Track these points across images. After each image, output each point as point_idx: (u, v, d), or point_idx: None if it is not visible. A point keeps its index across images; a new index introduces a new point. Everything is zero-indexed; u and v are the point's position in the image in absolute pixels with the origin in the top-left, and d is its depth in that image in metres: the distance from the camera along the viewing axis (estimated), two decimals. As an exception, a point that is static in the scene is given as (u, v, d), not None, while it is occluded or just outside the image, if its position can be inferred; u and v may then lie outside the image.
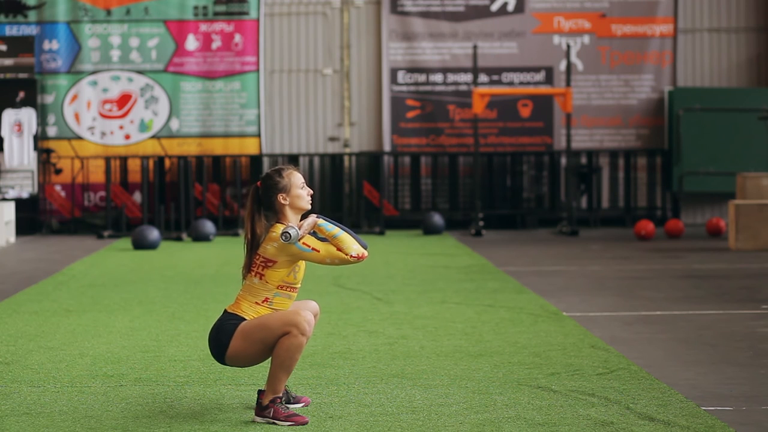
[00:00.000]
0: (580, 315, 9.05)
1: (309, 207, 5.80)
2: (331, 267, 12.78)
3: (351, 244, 5.63)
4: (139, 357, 7.35)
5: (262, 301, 5.68)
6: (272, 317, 5.61)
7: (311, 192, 5.81)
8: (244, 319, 5.65)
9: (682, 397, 6.03)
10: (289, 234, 5.56)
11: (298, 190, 5.76)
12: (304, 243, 5.62)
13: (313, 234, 5.72)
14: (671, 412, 5.69)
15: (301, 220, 5.79)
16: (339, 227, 5.69)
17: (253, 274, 5.69)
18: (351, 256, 5.62)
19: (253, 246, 5.71)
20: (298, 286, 5.75)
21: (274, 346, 5.60)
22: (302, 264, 5.74)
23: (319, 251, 5.62)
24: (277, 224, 5.71)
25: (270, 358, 5.68)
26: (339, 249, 5.63)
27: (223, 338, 5.65)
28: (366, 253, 5.68)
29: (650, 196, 19.13)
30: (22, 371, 6.91)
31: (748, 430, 5.39)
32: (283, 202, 5.74)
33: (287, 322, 5.56)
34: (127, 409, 5.90)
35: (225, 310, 5.73)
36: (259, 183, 5.79)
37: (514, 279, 11.47)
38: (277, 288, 5.68)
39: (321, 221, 5.69)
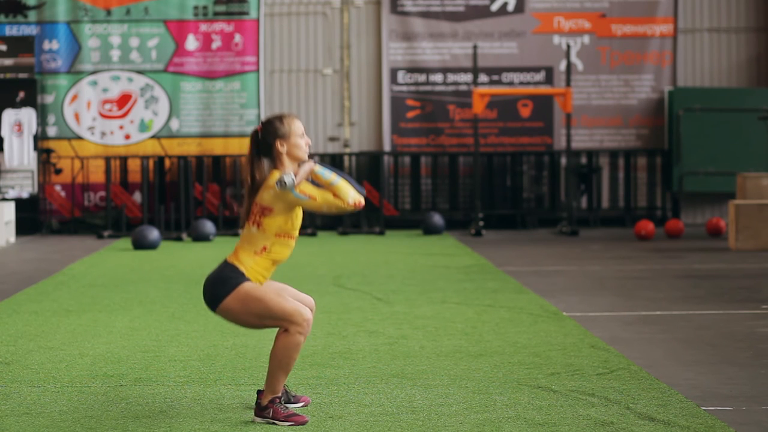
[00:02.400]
0: (580, 315, 9.05)
1: (306, 157, 5.73)
2: (331, 266, 12.78)
3: (348, 191, 5.58)
4: (139, 357, 7.35)
5: (261, 251, 5.62)
6: (275, 300, 5.56)
7: (309, 142, 5.77)
8: (243, 275, 5.58)
9: (682, 397, 6.03)
10: (284, 182, 5.52)
11: (297, 138, 5.71)
12: (300, 190, 5.58)
13: (310, 181, 5.69)
14: (671, 412, 5.69)
15: (298, 168, 5.73)
16: (336, 173, 5.65)
17: (251, 222, 5.65)
18: (348, 203, 5.58)
19: (253, 191, 5.68)
20: (296, 234, 5.70)
21: (265, 325, 5.59)
22: (299, 211, 5.70)
23: (315, 199, 5.57)
24: (274, 171, 5.66)
25: (256, 329, 5.66)
26: (336, 196, 5.58)
27: (219, 291, 5.58)
28: (362, 201, 5.64)
29: (650, 196, 19.13)
30: (22, 371, 6.91)
31: (748, 430, 5.39)
32: (280, 149, 5.69)
33: (288, 315, 5.53)
34: (127, 409, 5.90)
35: (225, 260, 5.68)
36: (259, 127, 5.76)
37: (514, 279, 11.47)
38: (275, 236, 5.63)
39: (318, 168, 5.64)
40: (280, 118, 5.72)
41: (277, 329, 5.65)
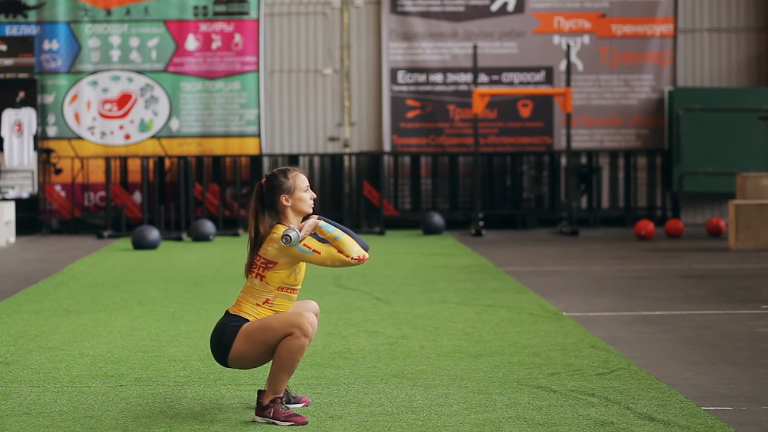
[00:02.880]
0: (580, 315, 9.05)
1: (311, 211, 5.77)
2: (331, 267, 12.79)
3: (352, 246, 5.62)
4: (139, 357, 7.35)
5: (263, 303, 5.66)
6: (275, 319, 5.60)
7: (314, 196, 5.80)
8: (247, 320, 5.64)
9: (682, 397, 6.03)
10: (290, 237, 5.54)
11: (302, 192, 5.73)
12: (305, 245, 5.61)
13: (314, 236, 5.71)
14: (671, 412, 5.69)
15: (302, 222, 5.77)
16: (340, 228, 5.68)
17: (253, 275, 5.68)
18: (352, 258, 5.61)
19: (256, 245, 5.70)
20: (299, 287, 5.74)
21: (276, 347, 5.59)
22: (303, 265, 5.73)
23: (320, 253, 5.61)
24: (278, 225, 5.69)
25: (272, 360, 5.68)
26: (340, 251, 5.62)
27: (225, 340, 5.63)
28: (366, 255, 5.67)
29: (650, 196, 19.13)
30: (22, 371, 6.91)
31: (748, 430, 5.39)
32: (285, 203, 5.72)
33: (290, 323, 5.56)
34: (127, 409, 5.90)
35: (227, 312, 5.72)
36: (263, 181, 5.78)
37: (514, 279, 11.47)
38: (278, 289, 5.67)
39: (322, 223, 5.68)
40: (284, 172, 5.74)
41: None
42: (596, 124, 19.27)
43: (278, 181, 5.72)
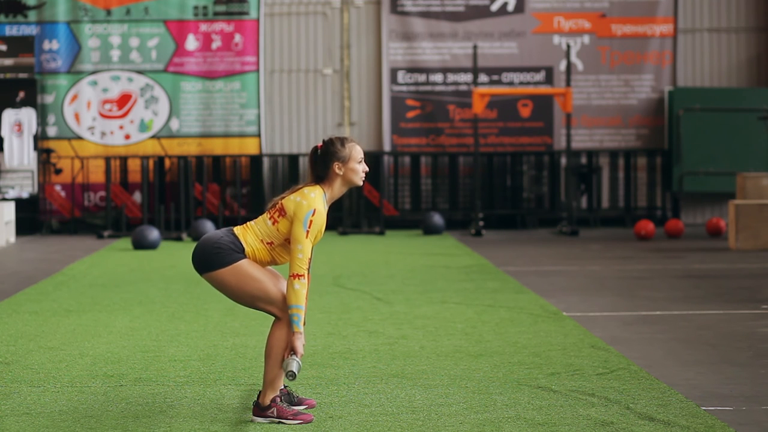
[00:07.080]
0: (580, 315, 9.05)
1: (361, 183, 5.71)
2: (331, 266, 12.79)
3: (294, 295, 5.48)
4: (139, 357, 7.35)
5: (268, 243, 5.60)
6: (272, 282, 5.55)
7: (366, 169, 5.74)
8: (243, 251, 5.54)
9: (682, 397, 6.03)
10: (294, 373, 5.47)
11: (356, 164, 5.68)
12: (309, 228, 5.49)
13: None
14: (671, 412, 5.69)
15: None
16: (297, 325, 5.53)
17: (269, 215, 5.61)
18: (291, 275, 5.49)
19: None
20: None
21: (256, 307, 5.56)
22: (317, 236, 5.60)
23: (305, 242, 5.48)
24: (316, 186, 5.60)
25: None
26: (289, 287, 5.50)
27: (214, 260, 5.53)
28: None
29: (650, 196, 19.13)
30: (22, 371, 6.91)
31: (748, 430, 5.39)
32: (338, 171, 5.64)
33: (281, 302, 5.53)
34: (127, 409, 5.90)
35: (231, 228, 5.65)
36: (320, 145, 5.71)
37: (514, 279, 11.47)
38: (285, 240, 5.59)
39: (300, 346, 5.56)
40: (342, 140, 5.68)
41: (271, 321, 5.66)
42: (596, 124, 19.27)
43: (335, 147, 5.65)
